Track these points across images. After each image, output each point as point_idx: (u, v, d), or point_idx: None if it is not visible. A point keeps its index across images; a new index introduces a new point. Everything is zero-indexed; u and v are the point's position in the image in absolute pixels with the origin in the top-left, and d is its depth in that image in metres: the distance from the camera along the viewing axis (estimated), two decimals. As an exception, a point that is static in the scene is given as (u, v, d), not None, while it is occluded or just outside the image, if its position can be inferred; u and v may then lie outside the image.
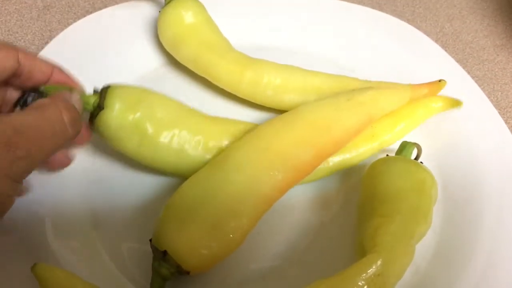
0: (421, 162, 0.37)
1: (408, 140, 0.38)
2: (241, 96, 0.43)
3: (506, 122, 0.47)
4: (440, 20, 0.58)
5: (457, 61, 0.53)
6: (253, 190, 0.33)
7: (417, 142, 0.38)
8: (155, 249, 0.32)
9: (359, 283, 0.29)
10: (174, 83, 0.46)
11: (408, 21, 0.57)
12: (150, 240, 0.33)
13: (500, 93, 0.51)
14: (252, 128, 0.38)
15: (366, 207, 0.35)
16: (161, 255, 0.32)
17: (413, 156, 0.38)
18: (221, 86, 0.43)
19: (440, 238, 0.37)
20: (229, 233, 0.32)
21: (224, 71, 0.42)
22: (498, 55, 0.54)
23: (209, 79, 0.43)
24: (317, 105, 0.38)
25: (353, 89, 0.41)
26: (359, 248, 0.33)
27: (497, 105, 0.49)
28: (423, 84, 0.44)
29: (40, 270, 0.30)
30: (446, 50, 0.54)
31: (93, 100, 0.35)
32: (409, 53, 0.49)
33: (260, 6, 0.50)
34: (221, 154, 0.36)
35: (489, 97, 0.49)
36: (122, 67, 0.45)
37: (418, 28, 0.56)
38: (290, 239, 0.38)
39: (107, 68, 0.44)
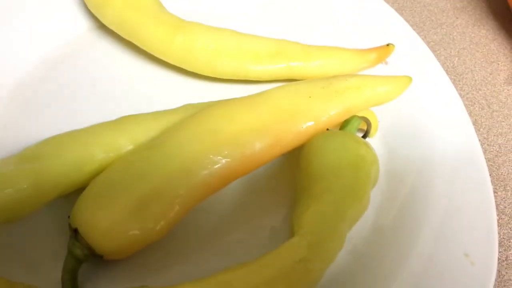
0: (363, 137, 0.34)
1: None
2: (172, 62, 0.40)
3: (461, 89, 0.45)
4: (398, -19, 0.54)
5: (414, 25, 0.50)
6: (189, 174, 0.30)
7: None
8: (69, 226, 0.29)
9: (278, 269, 0.26)
10: (101, 49, 0.41)
11: (364, -19, 0.54)
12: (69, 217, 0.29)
13: (457, 58, 0.48)
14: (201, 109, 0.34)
15: (300, 186, 0.32)
16: (73, 234, 0.28)
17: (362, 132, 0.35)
18: (150, 52, 0.40)
19: (381, 222, 0.34)
20: (152, 219, 0.28)
21: (153, 36, 0.39)
22: (457, 18, 0.51)
23: (137, 43, 0.40)
24: (287, 90, 0.35)
25: (333, 76, 0.37)
26: (290, 231, 0.30)
27: (453, 71, 0.46)
28: (370, 49, 0.41)
29: None
30: (403, 13, 0.51)
31: None
32: (356, 14, 0.45)
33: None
34: (164, 132, 0.32)
35: (445, 63, 0.47)
36: (44, 31, 0.41)
37: (374, -11, 0.53)
38: (220, 228, 0.34)
39: (28, 30, 0.40)
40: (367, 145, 0.33)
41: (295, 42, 0.40)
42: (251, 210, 0.35)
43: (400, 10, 0.51)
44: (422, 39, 0.48)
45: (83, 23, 0.42)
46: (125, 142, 0.32)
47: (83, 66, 0.40)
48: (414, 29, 0.48)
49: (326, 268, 0.28)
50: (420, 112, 0.39)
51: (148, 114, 0.35)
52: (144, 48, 0.40)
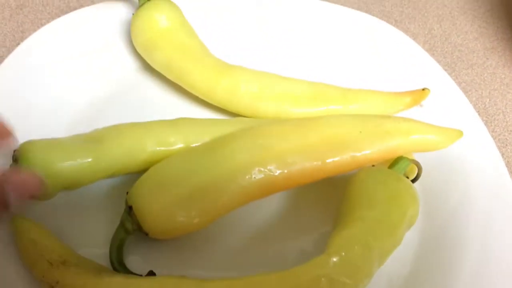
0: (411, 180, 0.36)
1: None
2: (216, 104, 0.42)
3: (493, 130, 0.46)
4: (429, 21, 0.56)
5: (445, 65, 0.52)
6: (234, 179, 0.33)
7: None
8: (125, 202, 0.33)
9: (303, 281, 0.28)
10: (148, 89, 0.44)
11: (396, 22, 0.55)
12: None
13: (488, 99, 0.49)
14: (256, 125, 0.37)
15: (340, 212, 0.34)
16: (128, 209, 0.32)
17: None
18: (195, 94, 0.42)
19: (418, 262, 0.36)
20: (197, 211, 0.32)
21: (198, 79, 0.41)
22: (487, 58, 0.53)
23: (184, 86, 0.42)
24: (340, 121, 0.37)
25: (387, 115, 0.39)
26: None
27: (484, 112, 0.48)
28: (406, 92, 0.43)
29: (17, 222, 0.32)
30: (434, 53, 0.53)
31: None
32: (392, 58, 0.47)
33: (240, 10, 0.48)
34: (221, 138, 0.36)
35: (476, 104, 0.48)
36: (95, 72, 0.43)
37: (406, 29, 0.55)
38: (257, 235, 0.37)
39: (79, 72, 0.43)
40: (409, 185, 0.35)
41: (334, 86, 0.42)
42: (287, 225, 0.37)
43: (431, 51, 0.52)
44: (454, 79, 0.49)
45: (132, 64, 0.45)
46: (177, 140, 0.36)
47: (131, 104, 0.43)
48: (446, 70, 0.50)
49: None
50: (454, 154, 0.40)
51: (204, 119, 0.39)
52: (190, 90, 0.42)
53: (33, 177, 0.30)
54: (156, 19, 0.41)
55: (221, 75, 0.41)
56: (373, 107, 0.42)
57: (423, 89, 0.43)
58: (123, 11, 0.46)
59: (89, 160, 0.33)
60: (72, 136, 0.35)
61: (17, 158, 0.32)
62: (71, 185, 0.34)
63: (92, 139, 0.35)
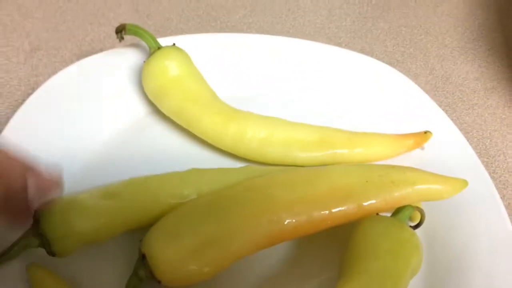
0: (412, 227, 0.36)
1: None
2: (224, 148, 0.43)
3: (494, 172, 0.47)
4: (430, 61, 0.58)
5: (447, 106, 0.53)
6: (244, 229, 0.34)
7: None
8: (139, 250, 0.34)
9: None
10: (159, 133, 0.45)
11: (398, 62, 0.57)
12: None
13: (489, 140, 0.50)
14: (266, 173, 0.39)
15: (344, 263, 0.35)
16: (141, 257, 0.33)
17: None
18: (205, 139, 0.43)
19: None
20: (208, 260, 0.33)
21: (207, 125, 0.42)
22: (488, 99, 0.54)
23: (192, 131, 0.43)
24: (347, 171, 0.39)
25: (392, 166, 0.40)
26: None
27: (485, 153, 0.49)
28: (408, 135, 0.44)
29: (33, 271, 0.34)
30: (436, 93, 0.54)
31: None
32: (394, 100, 0.48)
33: (248, 54, 0.50)
34: (231, 187, 0.37)
35: (477, 145, 0.49)
36: (107, 117, 0.45)
37: (408, 70, 0.56)
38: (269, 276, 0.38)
39: (92, 117, 0.44)
40: (412, 234, 0.35)
41: (339, 130, 0.44)
42: (294, 273, 0.38)
43: (432, 91, 0.54)
44: (455, 120, 0.51)
45: (142, 109, 0.46)
46: (190, 193, 0.37)
47: (142, 148, 0.44)
48: (447, 110, 0.52)
49: None
50: (456, 201, 0.41)
51: (213, 169, 0.40)
52: (199, 135, 0.43)
53: (53, 177, 0.31)
54: (166, 67, 0.43)
55: (229, 120, 0.42)
56: (377, 150, 0.43)
57: (425, 132, 0.44)
58: (133, 57, 0.47)
59: (106, 218, 0.35)
60: (88, 191, 0.36)
61: (37, 217, 0.33)
62: (89, 242, 0.35)
63: (108, 195, 0.36)
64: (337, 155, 0.42)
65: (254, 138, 0.42)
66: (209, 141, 0.43)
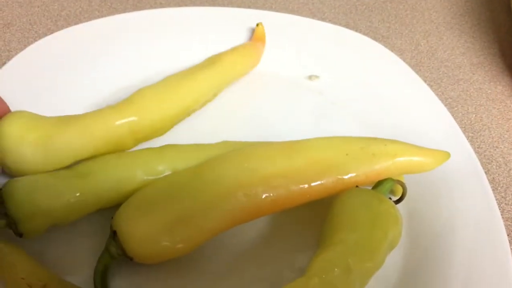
0: (394, 201, 0.35)
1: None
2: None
3: (478, 147, 0.46)
4: (416, 36, 0.56)
5: (432, 81, 0.52)
6: (220, 204, 0.33)
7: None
8: (110, 226, 0.33)
9: None
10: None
11: (383, 37, 0.56)
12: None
13: (474, 115, 0.49)
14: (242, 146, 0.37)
15: (322, 235, 0.34)
16: (112, 234, 0.32)
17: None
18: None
19: (401, 284, 0.35)
20: (181, 237, 0.32)
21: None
22: (474, 74, 0.53)
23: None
24: (326, 144, 0.37)
25: (372, 138, 0.38)
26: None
27: (470, 128, 0.48)
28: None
29: None
30: (421, 69, 0.53)
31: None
32: (379, 75, 0.47)
33: (231, 29, 0.49)
34: (206, 162, 0.35)
35: (462, 120, 0.49)
36: (82, 90, 0.43)
37: (393, 45, 0.55)
38: (240, 259, 0.36)
39: (66, 92, 0.43)
40: (391, 206, 0.34)
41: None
42: (271, 248, 0.37)
43: (417, 66, 0.53)
44: (440, 95, 0.50)
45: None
46: (165, 169, 0.36)
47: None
48: (432, 85, 0.51)
49: None
50: (439, 175, 0.40)
51: (189, 145, 0.38)
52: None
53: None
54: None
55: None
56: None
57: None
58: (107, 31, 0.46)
59: (77, 196, 0.33)
60: (59, 171, 0.34)
61: (2, 197, 0.32)
62: (59, 222, 0.33)
63: (79, 174, 0.34)
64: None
65: None
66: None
